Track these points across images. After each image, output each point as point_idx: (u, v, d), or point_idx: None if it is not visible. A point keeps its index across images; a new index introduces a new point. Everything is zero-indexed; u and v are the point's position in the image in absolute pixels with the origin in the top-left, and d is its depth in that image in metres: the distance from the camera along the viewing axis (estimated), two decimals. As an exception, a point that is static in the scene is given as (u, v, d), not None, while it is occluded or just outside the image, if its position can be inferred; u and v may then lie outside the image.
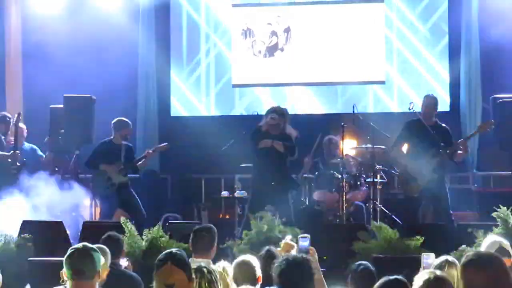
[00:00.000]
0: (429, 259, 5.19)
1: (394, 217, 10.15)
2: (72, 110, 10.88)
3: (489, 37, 12.17)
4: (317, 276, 5.14)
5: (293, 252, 5.25)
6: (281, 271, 4.38)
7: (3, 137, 10.46)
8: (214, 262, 5.78)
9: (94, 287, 4.23)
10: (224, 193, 11.42)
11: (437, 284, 3.65)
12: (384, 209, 10.40)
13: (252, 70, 13.15)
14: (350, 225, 9.63)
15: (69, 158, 11.03)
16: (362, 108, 12.27)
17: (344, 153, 10.21)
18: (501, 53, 12.14)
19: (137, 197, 10.44)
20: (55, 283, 4.64)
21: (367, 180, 10.56)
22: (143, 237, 7.88)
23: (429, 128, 9.40)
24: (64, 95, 11.04)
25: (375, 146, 10.28)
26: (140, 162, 10.52)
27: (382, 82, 12.89)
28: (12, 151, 10.16)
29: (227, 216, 11.38)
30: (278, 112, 9.68)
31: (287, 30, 13.10)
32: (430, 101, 9.66)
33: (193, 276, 4.01)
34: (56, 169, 10.88)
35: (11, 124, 10.50)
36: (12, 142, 10.27)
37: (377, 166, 10.42)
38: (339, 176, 10.17)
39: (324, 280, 5.20)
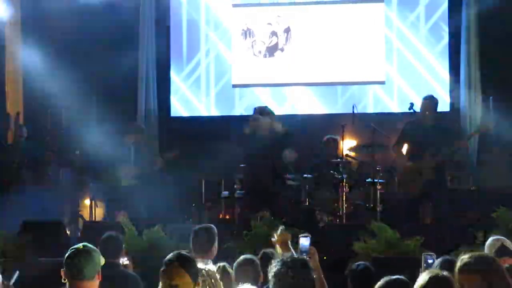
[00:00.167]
0: (430, 259, 5.19)
1: (394, 217, 10.14)
2: (72, 110, 10.89)
3: (489, 37, 12.18)
4: (317, 276, 5.14)
5: (289, 243, 5.24)
6: (277, 273, 4.34)
7: None
8: (215, 262, 5.78)
9: (94, 287, 4.23)
10: (224, 193, 11.42)
11: (439, 283, 3.64)
12: (384, 209, 10.41)
13: (252, 70, 13.15)
14: (350, 225, 9.63)
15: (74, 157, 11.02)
16: (362, 108, 12.28)
17: (344, 153, 10.21)
18: (501, 53, 12.13)
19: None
20: (55, 283, 4.63)
21: (367, 180, 10.57)
22: (143, 237, 7.88)
23: (429, 128, 9.40)
24: (64, 95, 11.04)
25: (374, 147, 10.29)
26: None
27: (382, 82, 12.89)
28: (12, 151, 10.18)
29: (227, 216, 11.37)
30: (260, 112, 9.56)
31: (287, 30, 13.10)
32: (429, 101, 9.66)
33: (199, 280, 4.02)
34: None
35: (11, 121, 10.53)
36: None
37: (377, 166, 10.43)
38: (339, 176, 10.17)
39: (324, 280, 5.20)
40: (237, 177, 10.87)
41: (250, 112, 11.84)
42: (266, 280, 5.13)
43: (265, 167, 9.23)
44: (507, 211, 7.81)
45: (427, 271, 3.77)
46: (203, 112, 13.32)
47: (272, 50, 13.13)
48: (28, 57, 12.80)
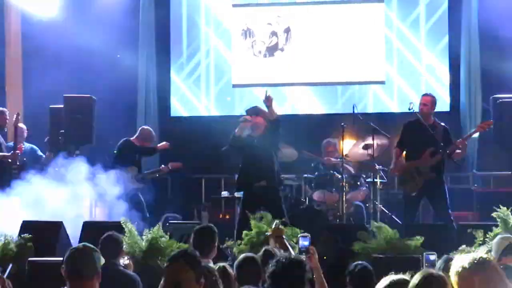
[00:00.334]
0: (431, 259, 5.19)
1: (394, 217, 10.15)
2: (72, 110, 10.88)
3: (489, 37, 12.18)
4: (317, 275, 5.14)
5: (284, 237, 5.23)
6: (273, 272, 4.33)
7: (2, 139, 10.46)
8: (215, 262, 5.77)
9: (94, 287, 4.23)
10: (224, 193, 11.43)
11: (433, 282, 3.64)
12: (384, 209, 10.41)
13: (252, 70, 13.16)
14: (350, 225, 9.63)
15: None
16: (362, 108, 12.28)
17: (344, 153, 10.21)
18: (501, 53, 12.14)
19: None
20: (55, 283, 4.63)
21: (367, 180, 10.57)
22: (143, 237, 7.88)
23: (428, 128, 9.39)
24: (64, 95, 11.03)
25: (375, 148, 10.29)
26: (152, 174, 10.84)
27: (382, 82, 12.89)
28: (12, 152, 10.16)
29: (227, 216, 11.37)
30: (249, 112, 9.50)
31: (287, 30, 13.10)
32: (427, 100, 9.65)
33: (202, 280, 3.98)
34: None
35: (6, 119, 10.50)
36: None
37: (377, 166, 10.42)
38: (339, 176, 10.17)
39: (324, 280, 5.20)
40: (237, 177, 10.87)
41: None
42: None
43: (264, 167, 9.20)
44: (507, 211, 7.80)
45: (421, 271, 3.76)
46: (203, 112, 13.33)
47: (272, 50, 13.13)
48: (28, 56, 12.84)
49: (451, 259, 5.08)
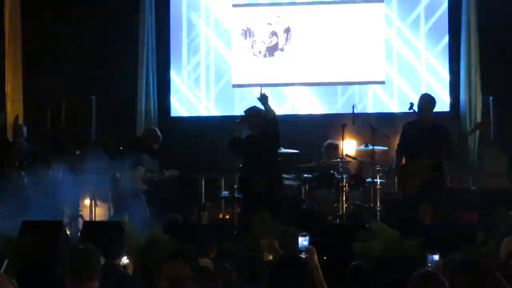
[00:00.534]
0: (435, 259, 5.19)
1: (394, 217, 10.13)
2: (72, 110, 10.89)
3: (489, 36, 12.18)
4: (316, 275, 5.14)
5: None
6: (273, 271, 4.33)
7: None
8: (215, 262, 5.78)
9: (93, 287, 4.23)
10: (224, 193, 11.42)
11: (430, 281, 3.64)
12: (384, 209, 10.40)
13: (252, 70, 13.15)
14: (350, 225, 9.62)
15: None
16: (362, 108, 12.27)
17: (344, 153, 10.21)
18: (501, 52, 12.14)
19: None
20: (55, 284, 4.64)
21: (367, 180, 10.56)
22: (143, 237, 7.88)
23: (427, 128, 9.39)
24: (64, 95, 11.04)
25: (375, 147, 10.28)
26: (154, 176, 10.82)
27: (382, 82, 12.89)
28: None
29: (227, 216, 11.37)
30: (248, 112, 9.47)
31: (287, 30, 13.10)
32: (425, 100, 9.65)
33: (198, 279, 3.97)
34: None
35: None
36: None
37: (377, 166, 10.42)
38: (339, 176, 10.17)
39: (323, 280, 5.20)
40: (237, 177, 10.87)
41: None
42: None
43: (264, 166, 9.20)
44: (507, 211, 7.81)
45: (418, 270, 3.77)
46: (203, 112, 13.32)
47: (272, 50, 13.13)
48: (28, 56, 12.84)
49: (452, 259, 5.09)
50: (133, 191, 10.32)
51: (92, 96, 11.07)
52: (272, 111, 9.14)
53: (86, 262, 4.20)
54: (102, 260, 4.33)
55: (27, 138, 11.08)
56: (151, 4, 13.21)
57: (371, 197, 10.36)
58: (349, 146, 10.84)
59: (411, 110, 9.73)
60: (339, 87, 13.07)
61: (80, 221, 10.05)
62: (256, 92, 9.34)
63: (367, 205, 10.43)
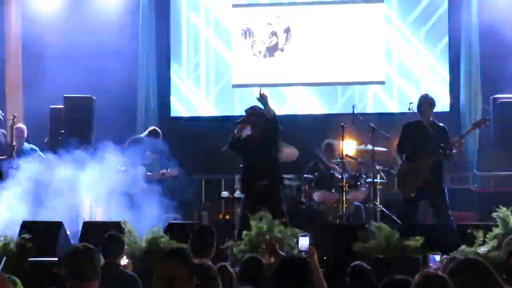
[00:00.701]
0: (436, 259, 5.19)
1: (394, 217, 10.14)
2: (72, 110, 10.89)
3: (489, 37, 12.18)
4: (316, 275, 5.14)
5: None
6: (275, 272, 4.32)
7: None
8: (215, 262, 5.77)
9: (93, 287, 4.23)
10: (224, 193, 11.43)
11: (434, 282, 3.64)
12: (384, 209, 10.41)
13: (252, 70, 13.16)
14: (350, 225, 9.62)
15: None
16: (362, 108, 12.27)
17: (344, 153, 10.21)
18: (501, 53, 12.14)
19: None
20: (55, 283, 4.64)
21: (367, 180, 10.56)
22: (143, 237, 7.88)
23: (426, 128, 9.40)
24: (64, 95, 11.04)
25: (375, 149, 10.28)
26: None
27: (382, 82, 12.90)
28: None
29: (227, 216, 11.38)
30: (248, 112, 9.46)
31: (287, 30, 13.10)
32: (425, 101, 9.65)
33: (194, 279, 3.96)
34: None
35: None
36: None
37: (377, 166, 10.42)
38: (339, 176, 10.17)
39: (323, 280, 5.20)
40: (237, 177, 10.88)
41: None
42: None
43: (264, 166, 9.19)
44: (507, 211, 7.80)
45: (422, 271, 3.76)
46: (203, 112, 13.33)
47: (272, 50, 13.13)
48: (28, 56, 12.84)
49: (453, 259, 5.09)
50: (142, 188, 10.32)
51: (92, 96, 11.06)
52: (272, 110, 9.14)
53: (86, 262, 4.20)
54: (102, 260, 4.32)
55: (27, 138, 11.08)
56: (151, 4, 13.22)
57: (371, 197, 10.35)
58: (349, 146, 10.83)
59: (411, 110, 9.72)
60: (339, 87, 13.08)
61: (80, 221, 10.03)
62: (256, 92, 9.32)
63: (367, 205, 10.43)
